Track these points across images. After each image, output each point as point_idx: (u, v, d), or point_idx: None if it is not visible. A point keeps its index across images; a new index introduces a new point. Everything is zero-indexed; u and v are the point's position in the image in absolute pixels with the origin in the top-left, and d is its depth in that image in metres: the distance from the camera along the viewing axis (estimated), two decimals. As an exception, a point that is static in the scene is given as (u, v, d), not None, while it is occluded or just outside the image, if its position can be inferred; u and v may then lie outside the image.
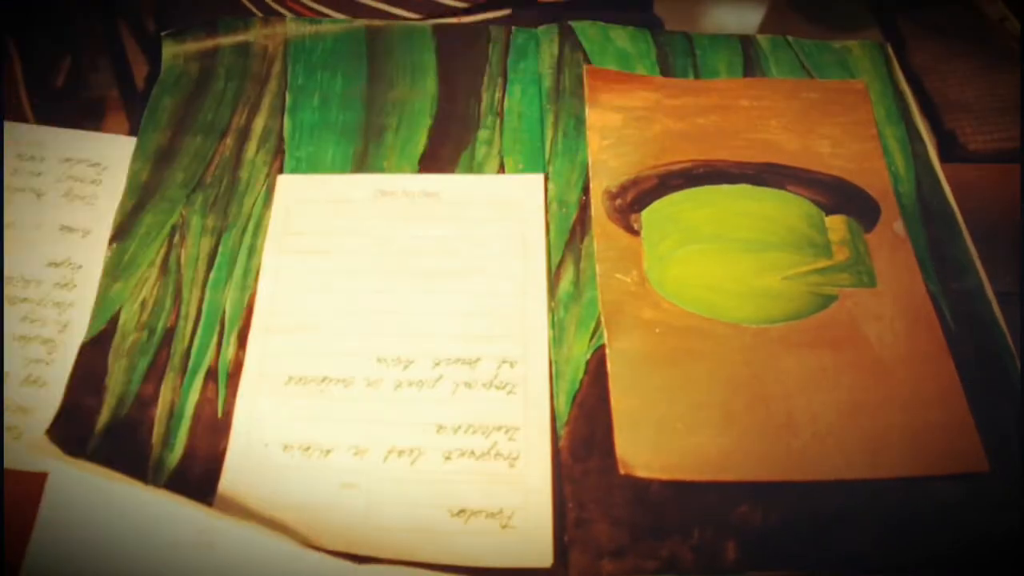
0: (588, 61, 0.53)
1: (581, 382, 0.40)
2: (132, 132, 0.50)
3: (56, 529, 0.35)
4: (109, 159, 0.48)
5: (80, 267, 0.44)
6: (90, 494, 0.36)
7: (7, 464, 0.37)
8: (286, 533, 0.35)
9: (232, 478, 0.37)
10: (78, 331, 0.42)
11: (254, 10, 0.59)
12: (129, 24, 0.61)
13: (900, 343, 0.42)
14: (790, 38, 0.55)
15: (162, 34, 0.54)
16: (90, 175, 0.47)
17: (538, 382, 0.40)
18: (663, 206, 0.46)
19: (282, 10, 0.57)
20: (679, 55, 0.53)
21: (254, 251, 0.45)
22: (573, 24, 0.54)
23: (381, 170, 0.48)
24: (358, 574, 0.34)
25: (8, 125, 0.49)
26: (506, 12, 0.56)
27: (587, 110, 0.50)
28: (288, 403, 0.40)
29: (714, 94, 0.51)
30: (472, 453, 0.38)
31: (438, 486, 0.38)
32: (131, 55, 0.59)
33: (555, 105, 0.50)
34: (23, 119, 0.49)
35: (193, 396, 0.40)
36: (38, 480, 0.36)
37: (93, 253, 0.44)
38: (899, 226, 0.46)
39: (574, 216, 0.46)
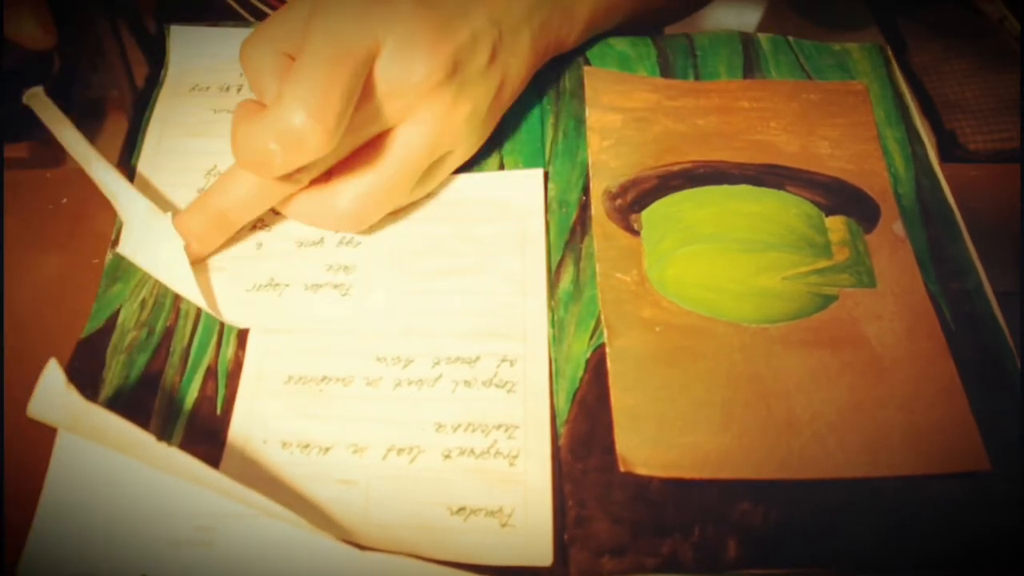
0: (588, 62, 0.53)
1: (581, 380, 0.40)
2: (132, 132, 0.51)
3: (61, 500, 0.36)
4: None
5: None
6: (97, 460, 0.36)
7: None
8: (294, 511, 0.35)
9: (229, 474, 0.37)
10: None
11: (244, 13, 0.59)
12: (129, 24, 0.61)
13: (900, 343, 0.42)
14: (790, 39, 0.55)
15: (171, 26, 0.54)
16: None
17: (538, 380, 0.40)
18: (663, 206, 0.46)
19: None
20: (679, 56, 0.54)
21: (254, 250, 0.45)
22: (573, 25, 0.54)
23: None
24: (362, 561, 0.34)
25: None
26: None
27: (587, 111, 0.50)
28: (287, 402, 0.40)
29: (714, 95, 0.51)
30: (472, 451, 0.38)
31: (437, 484, 0.37)
32: (131, 55, 0.59)
33: (555, 106, 0.50)
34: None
35: (192, 393, 0.40)
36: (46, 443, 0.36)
37: None
38: (899, 226, 0.46)
39: (574, 216, 0.46)
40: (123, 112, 0.53)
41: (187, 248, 0.42)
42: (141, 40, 0.60)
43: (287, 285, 0.44)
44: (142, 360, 0.41)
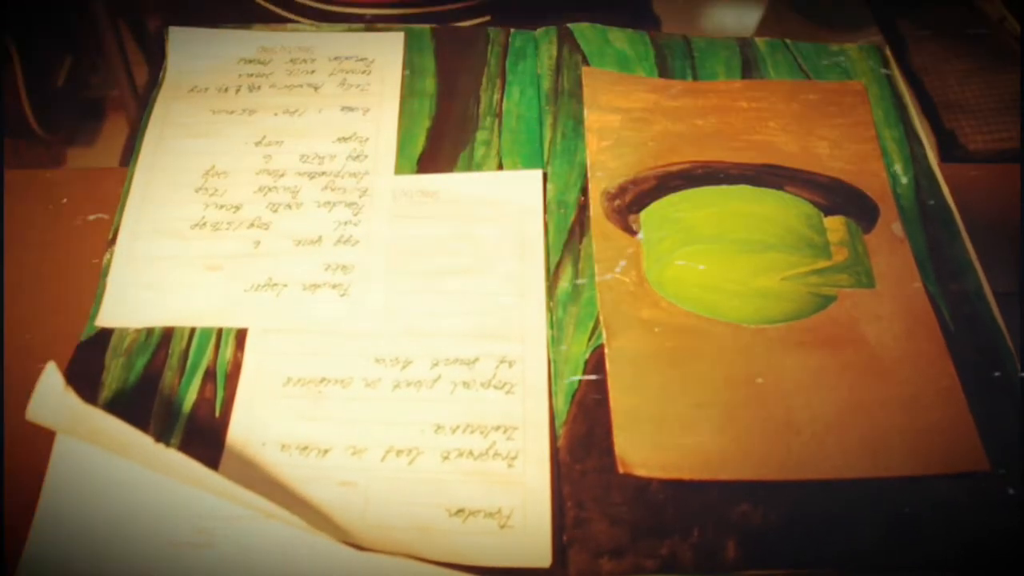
0: (587, 63, 0.53)
1: (580, 381, 0.40)
2: (132, 132, 0.50)
3: (59, 504, 0.36)
4: (375, 53, 0.52)
5: (367, 139, 0.48)
6: (95, 465, 0.36)
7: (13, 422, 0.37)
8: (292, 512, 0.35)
9: (228, 477, 0.37)
10: (377, 196, 0.47)
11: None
12: (129, 24, 0.61)
13: (899, 344, 0.42)
14: (788, 41, 0.55)
15: (170, 27, 0.54)
16: (360, 67, 0.52)
17: (537, 381, 0.40)
18: (662, 207, 0.46)
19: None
20: (677, 57, 0.53)
21: (253, 251, 0.45)
22: (571, 26, 0.54)
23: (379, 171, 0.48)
24: (361, 562, 0.34)
25: (270, 34, 0.53)
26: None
27: (585, 111, 0.50)
28: (286, 403, 0.40)
29: (712, 96, 0.51)
30: (471, 453, 0.38)
31: (436, 485, 0.37)
32: (131, 55, 0.59)
33: (554, 106, 0.50)
34: (23, 119, 0.49)
35: (191, 396, 0.40)
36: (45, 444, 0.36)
37: (378, 126, 0.50)
38: (898, 227, 0.46)
39: (573, 216, 0.46)
40: (123, 112, 0.53)
41: None
42: (141, 41, 0.60)
43: (285, 285, 0.44)
44: (141, 363, 0.41)
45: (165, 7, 0.62)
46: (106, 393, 0.40)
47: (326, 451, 0.38)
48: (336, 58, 0.53)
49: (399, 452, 0.38)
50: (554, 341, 0.42)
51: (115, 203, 0.47)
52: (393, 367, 0.41)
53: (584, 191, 0.47)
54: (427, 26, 0.55)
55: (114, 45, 0.63)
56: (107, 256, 0.45)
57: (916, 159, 0.49)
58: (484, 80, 0.52)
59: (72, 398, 0.35)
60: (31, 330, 0.43)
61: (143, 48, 0.63)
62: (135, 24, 0.66)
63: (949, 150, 0.52)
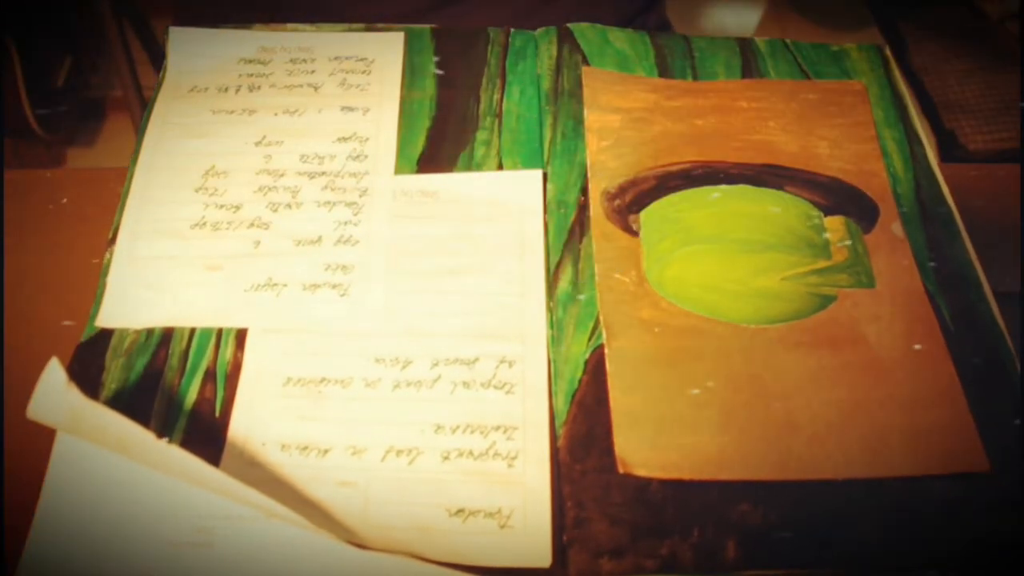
0: (587, 63, 0.53)
1: (580, 381, 0.40)
2: (135, 132, 0.51)
3: (60, 502, 0.36)
4: (375, 53, 0.53)
5: (367, 139, 0.48)
6: (95, 465, 0.36)
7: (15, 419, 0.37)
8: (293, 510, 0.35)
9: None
10: (377, 196, 0.47)
11: None
12: (133, 24, 0.61)
13: (899, 344, 0.42)
14: (788, 41, 0.55)
15: (170, 27, 0.54)
16: (360, 67, 0.52)
17: (537, 381, 0.40)
18: (662, 207, 0.46)
19: None
20: (677, 57, 0.53)
21: (253, 251, 0.45)
22: (571, 26, 0.54)
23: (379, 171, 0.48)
24: (362, 561, 0.34)
25: (270, 34, 0.54)
26: None
27: (585, 111, 0.50)
28: (286, 403, 0.40)
29: (713, 95, 0.51)
30: (471, 453, 0.38)
31: (436, 485, 0.37)
32: (135, 55, 0.59)
33: (554, 106, 0.50)
34: (23, 119, 0.49)
35: (191, 396, 0.40)
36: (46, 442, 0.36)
37: (378, 126, 0.50)
38: (898, 227, 0.46)
39: (572, 217, 0.46)
40: (123, 112, 0.53)
41: None
42: (143, 40, 0.60)
43: (285, 285, 0.44)
44: (141, 363, 0.41)
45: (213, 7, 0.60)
46: (106, 393, 0.40)
47: (326, 451, 0.38)
48: (336, 58, 0.53)
49: (399, 452, 0.38)
50: (554, 341, 0.42)
51: (115, 203, 0.47)
52: (393, 367, 0.41)
53: (584, 191, 0.47)
54: (427, 26, 0.55)
55: (119, 45, 0.63)
56: (107, 256, 0.45)
57: (916, 159, 0.49)
58: (484, 80, 0.52)
59: (75, 395, 0.35)
60: (31, 330, 0.43)
61: (144, 48, 0.63)
62: (139, 24, 0.66)
63: (949, 150, 0.52)
